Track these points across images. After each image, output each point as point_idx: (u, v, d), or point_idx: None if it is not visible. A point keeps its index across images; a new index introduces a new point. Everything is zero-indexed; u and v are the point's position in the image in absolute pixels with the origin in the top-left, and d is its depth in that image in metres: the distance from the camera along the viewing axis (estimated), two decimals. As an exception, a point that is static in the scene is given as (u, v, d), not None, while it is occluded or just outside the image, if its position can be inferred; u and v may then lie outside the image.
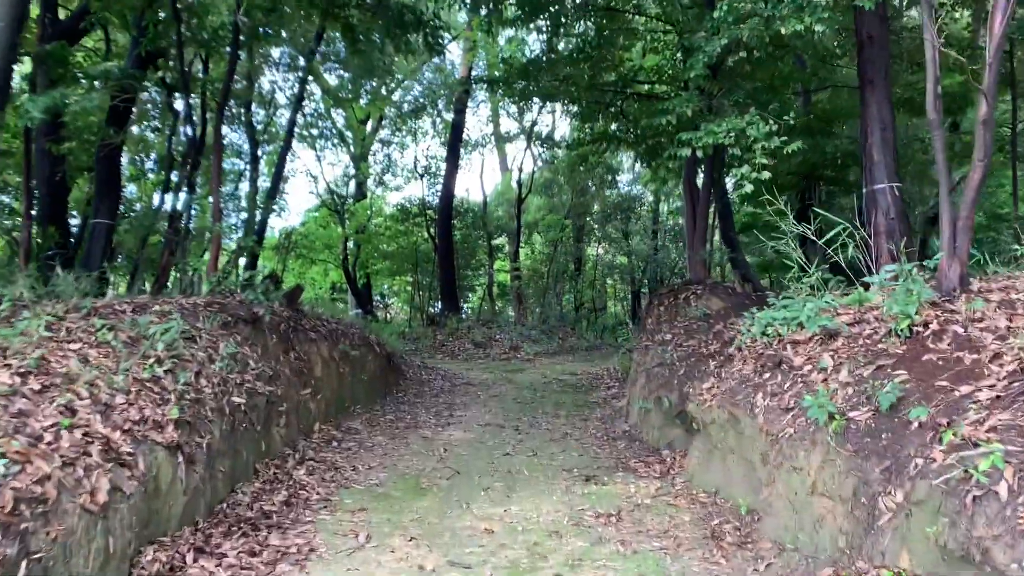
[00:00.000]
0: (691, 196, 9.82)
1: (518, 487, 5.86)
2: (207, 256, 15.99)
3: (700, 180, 10.42)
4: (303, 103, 20.39)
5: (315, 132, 21.45)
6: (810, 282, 6.03)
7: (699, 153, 8.05)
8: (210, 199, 18.24)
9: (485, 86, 16.52)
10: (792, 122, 9.63)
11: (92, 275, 7.68)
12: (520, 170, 22.44)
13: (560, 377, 12.76)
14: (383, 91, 21.41)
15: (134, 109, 9.84)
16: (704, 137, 7.84)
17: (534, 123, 22.32)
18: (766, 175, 7.61)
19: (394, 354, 11.20)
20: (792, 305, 5.67)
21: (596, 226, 27.96)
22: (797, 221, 6.65)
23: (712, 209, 11.12)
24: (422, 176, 22.08)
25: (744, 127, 7.72)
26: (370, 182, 24.56)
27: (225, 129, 19.31)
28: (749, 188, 7.78)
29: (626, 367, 11.20)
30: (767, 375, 5.20)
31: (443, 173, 21.16)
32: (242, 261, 14.88)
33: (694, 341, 7.78)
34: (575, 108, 13.18)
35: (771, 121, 7.86)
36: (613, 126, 12.37)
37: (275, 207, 20.24)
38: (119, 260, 12.44)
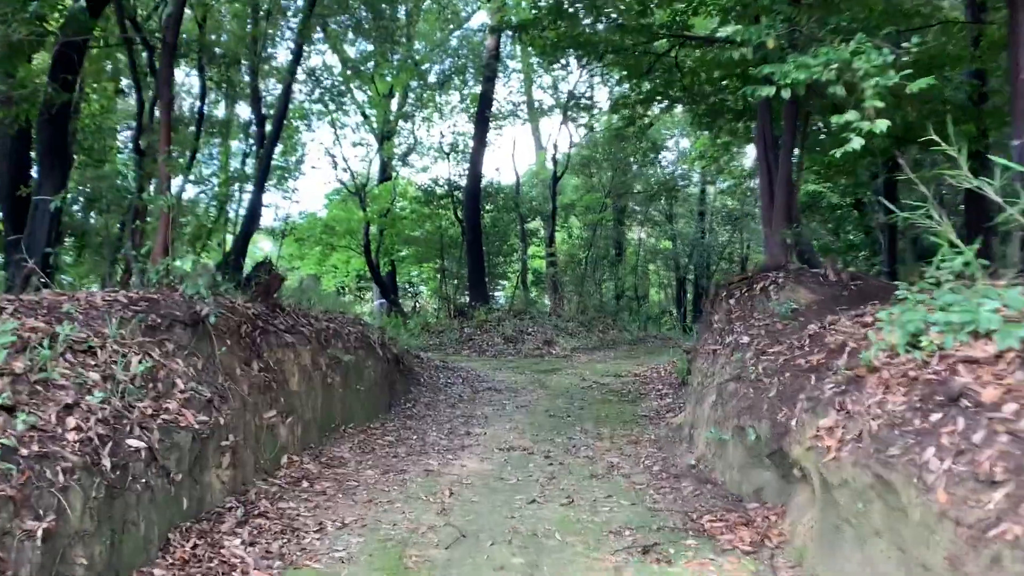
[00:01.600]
0: (767, 160, 7.83)
1: (546, 564, 4.06)
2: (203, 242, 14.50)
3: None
4: (314, 73, 18.84)
5: (332, 107, 19.82)
6: (953, 267, 4.08)
7: (784, 94, 6.07)
8: (211, 178, 16.84)
9: (514, 47, 14.62)
10: (912, 54, 7.52)
11: (30, 263, 6.13)
12: (556, 147, 20.50)
13: (601, 380, 10.90)
14: (408, 62, 19.68)
15: (85, 63, 8.25)
16: (793, 72, 5.86)
17: (571, 93, 20.34)
18: (882, 124, 5.62)
19: (404, 356, 9.47)
20: (960, 303, 3.74)
21: (638, 208, 25.90)
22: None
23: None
24: (448, 154, 20.31)
25: (850, 58, 5.74)
26: (394, 163, 22.93)
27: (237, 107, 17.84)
28: (857, 144, 5.79)
29: (683, 371, 9.30)
30: (937, 415, 3.28)
31: (470, 151, 19.37)
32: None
33: (782, 347, 5.86)
34: (617, 67, 11.24)
35: (886, 51, 5.86)
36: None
37: (276, 186, 18.80)
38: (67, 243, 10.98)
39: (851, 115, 5.71)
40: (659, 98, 9.95)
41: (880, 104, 5.70)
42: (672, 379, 10.23)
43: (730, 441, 5.40)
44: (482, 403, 9.05)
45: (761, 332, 6.38)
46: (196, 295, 5.37)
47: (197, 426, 4.43)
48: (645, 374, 11.33)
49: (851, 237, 20.27)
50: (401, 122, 22.05)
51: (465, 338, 16.04)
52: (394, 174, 22.47)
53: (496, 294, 24.83)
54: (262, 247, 38.85)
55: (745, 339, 6.36)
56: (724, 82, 10.05)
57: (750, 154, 31.25)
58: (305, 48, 17.72)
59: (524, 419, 8.12)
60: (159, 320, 4.97)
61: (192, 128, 14.59)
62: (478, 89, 19.35)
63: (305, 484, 5.42)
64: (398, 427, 7.58)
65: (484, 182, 20.05)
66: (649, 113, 11.71)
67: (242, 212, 16.24)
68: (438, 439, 7.22)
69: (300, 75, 19.14)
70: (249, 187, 14.78)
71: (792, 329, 6.20)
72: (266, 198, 20.02)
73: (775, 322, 6.46)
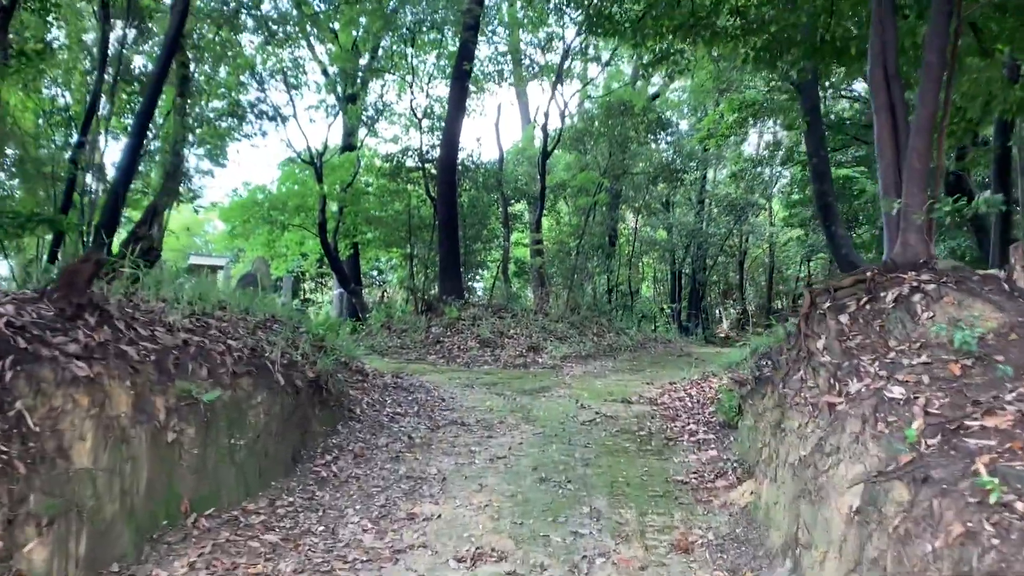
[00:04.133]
0: (889, 95, 5.00)
1: None
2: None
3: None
4: (265, 21, 15.73)
5: (287, 57, 16.72)
6: None
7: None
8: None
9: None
10: None
11: None
12: (547, 115, 17.63)
13: (606, 408, 8.09)
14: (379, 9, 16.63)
15: None
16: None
17: (566, 52, 17.41)
18: None
19: (330, 378, 6.56)
20: None
21: (633, 194, 23.09)
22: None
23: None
24: (420, 120, 17.30)
25: None
26: (360, 131, 19.89)
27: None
28: None
29: (729, 409, 6.51)
30: None
31: (446, 117, 16.39)
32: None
33: (991, 415, 3.09)
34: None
35: None
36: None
37: (208, 151, 15.62)
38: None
39: None
40: (702, 24, 7.11)
41: None
42: (705, 412, 7.45)
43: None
44: (440, 450, 6.19)
45: (923, 379, 3.60)
46: None
47: None
48: (663, 400, 8.54)
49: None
50: (369, 85, 18.99)
51: (432, 340, 13.16)
52: (358, 143, 19.45)
53: (473, 285, 21.94)
54: (216, 226, 35.67)
55: (897, 392, 3.56)
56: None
57: (751, 142, 28.66)
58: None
59: (501, 486, 5.28)
60: None
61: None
62: (456, 50, 16.40)
63: None
64: (296, 507, 4.70)
65: (462, 155, 17.10)
66: (685, 49, 8.91)
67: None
68: (359, 532, 4.37)
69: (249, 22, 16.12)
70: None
71: (987, 374, 3.44)
72: (201, 164, 17.00)
73: (946, 360, 3.68)
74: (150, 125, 12.69)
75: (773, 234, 31.97)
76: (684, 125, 25.83)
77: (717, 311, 32.16)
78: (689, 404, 7.94)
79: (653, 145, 20.29)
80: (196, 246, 38.41)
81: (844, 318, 4.43)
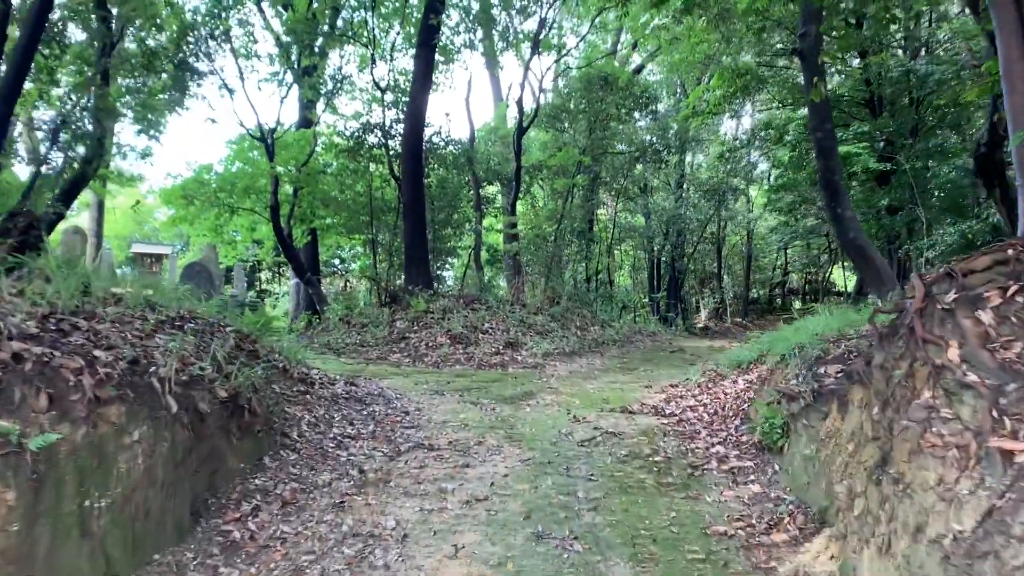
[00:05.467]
0: (1020, 13, 3.63)
1: None
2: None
3: None
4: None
5: (234, 22, 14.94)
6: None
7: None
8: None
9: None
10: None
11: None
12: (522, 88, 16.17)
13: (605, 422, 6.67)
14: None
15: None
16: None
17: (542, 21, 15.89)
18: None
19: (256, 395, 5.01)
20: None
21: (609, 179, 21.70)
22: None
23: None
24: (384, 93, 15.66)
25: None
26: (318, 107, 18.14)
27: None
28: None
29: (769, 430, 5.11)
30: None
31: (411, 89, 14.76)
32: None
33: None
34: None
35: None
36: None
37: (143, 124, 13.74)
38: None
39: None
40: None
41: None
42: (729, 427, 6.07)
43: None
44: (401, 489, 4.71)
45: None
46: None
47: None
48: (671, 409, 7.16)
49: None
50: (329, 57, 17.24)
51: (396, 336, 11.63)
52: (316, 119, 17.72)
53: (443, 274, 20.40)
54: (167, 212, 33.53)
55: None
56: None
57: (729, 127, 27.42)
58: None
59: (484, 547, 3.83)
60: None
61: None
62: (421, 17, 14.77)
63: None
64: (182, 602, 3.19)
65: (430, 131, 15.54)
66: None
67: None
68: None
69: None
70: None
71: None
72: (135, 140, 15.16)
73: None
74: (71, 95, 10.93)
75: (751, 221, 30.94)
76: (662, 107, 24.52)
77: (695, 300, 31.03)
78: (706, 417, 6.55)
79: (636, 123, 18.90)
80: (146, 233, 36.22)
81: (986, 316, 3.04)
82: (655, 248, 26.75)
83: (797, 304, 39.87)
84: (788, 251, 37.11)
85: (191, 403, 4.10)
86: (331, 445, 5.43)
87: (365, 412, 6.58)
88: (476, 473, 5.08)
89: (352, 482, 4.78)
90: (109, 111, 10.93)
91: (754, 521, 4.20)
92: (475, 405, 7.43)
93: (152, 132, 13.64)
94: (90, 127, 11.04)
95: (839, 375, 4.34)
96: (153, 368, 3.96)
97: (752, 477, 4.89)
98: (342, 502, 4.43)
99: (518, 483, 4.87)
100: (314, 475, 4.84)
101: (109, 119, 11.32)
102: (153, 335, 4.71)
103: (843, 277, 35.92)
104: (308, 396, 6.36)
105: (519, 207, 18.72)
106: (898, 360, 3.26)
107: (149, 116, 12.94)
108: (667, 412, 7.04)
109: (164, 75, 14.04)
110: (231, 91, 15.06)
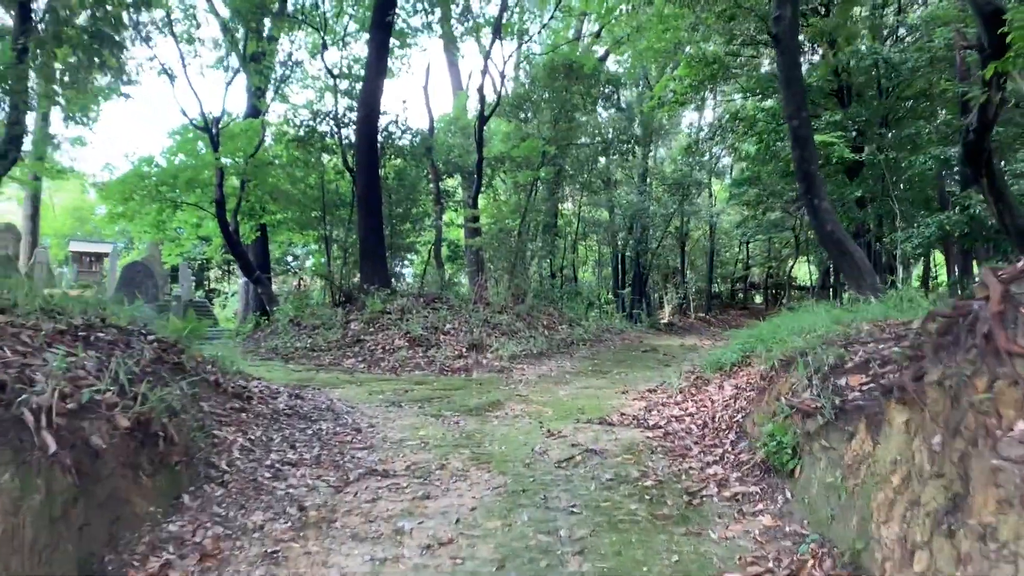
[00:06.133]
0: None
1: None
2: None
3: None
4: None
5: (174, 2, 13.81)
6: None
7: None
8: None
9: None
10: None
11: None
12: (483, 74, 15.40)
13: (582, 436, 5.96)
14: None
15: None
16: None
17: (504, 3, 15.12)
18: None
19: (164, 419, 4.15)
20: None
21: (573, 172, 21.06)
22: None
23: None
24: (336, 80, 14.72)
25: None
26: (268, 97, 17.09)
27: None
28: None
29: (780, 455, 4.44)
30: None
31: (367, 73, 13.85)
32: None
33: None
34: None
35: None
36: None
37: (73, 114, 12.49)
38: None
39: None
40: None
41: None
42: (725, 442, 5.41)
43: None
44: (348, 532, 3.92)
45: None
46: None
47: None
48: (653, 419, 6.50)
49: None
50: (279, 42, 16.20)
51: (351, 339, 10.77)
52: (265, 107, 16.67)
53: (401, 271, 19.51)
54: (103, 209, 31.91)
55: None
56: None
57: (692, 120, 27.01)
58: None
59: (449, 612, 3.08)
60: None
61: None
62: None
63: None
64: None
65: (386, 120, 14.66)
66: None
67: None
68: None
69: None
70: None
71: None
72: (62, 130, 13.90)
73: None
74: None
75: (714, 215, 30.72)
76: (626, 96, 23.97)
77: (658, 296, 30.69)
78: (695, 429, 5.90)
79: (601, 113, 18.29)
80: (89, 230, 34.44)
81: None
82: (619, 243, 26.28)
83: (758, 299, 40.01)
84: (750, 245, 37.10)
85: (80, 437, 3.26)
86: (267, 475, 4.61)
87: (310, 431, 5.76)
88: (438, 507, 4.32)
89: (290, 523, 3.98)
90: (22, 93, 9.80)
91: (771, 565, 3.53)
92: (436, 418, 6.67)
93: (81, 118, 12.45)
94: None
95: (865, 388, 3.70)
96: (25, 395, 3.11)
97: (760, 506, 4.23)
98: (275, 551, 3.63)
99: (488, 519, 4.13)
100: (244, 516, 4.02)
101: (25, 104, 10.16)
102: (43, 350, 3.86)
103: (808, 271, 36.02)
104: (244, 414, 5.51)
105: (481, 201, 17.94)
106: (971, 377, 2.61)
107: (70, 99, 11.68)
108: (650, 423, 6.37)
109: (75, 48, 12.73)
110: (172, 77, 13.89)
